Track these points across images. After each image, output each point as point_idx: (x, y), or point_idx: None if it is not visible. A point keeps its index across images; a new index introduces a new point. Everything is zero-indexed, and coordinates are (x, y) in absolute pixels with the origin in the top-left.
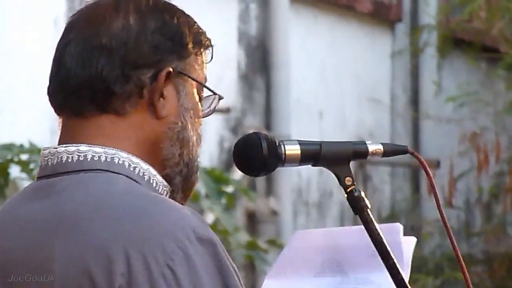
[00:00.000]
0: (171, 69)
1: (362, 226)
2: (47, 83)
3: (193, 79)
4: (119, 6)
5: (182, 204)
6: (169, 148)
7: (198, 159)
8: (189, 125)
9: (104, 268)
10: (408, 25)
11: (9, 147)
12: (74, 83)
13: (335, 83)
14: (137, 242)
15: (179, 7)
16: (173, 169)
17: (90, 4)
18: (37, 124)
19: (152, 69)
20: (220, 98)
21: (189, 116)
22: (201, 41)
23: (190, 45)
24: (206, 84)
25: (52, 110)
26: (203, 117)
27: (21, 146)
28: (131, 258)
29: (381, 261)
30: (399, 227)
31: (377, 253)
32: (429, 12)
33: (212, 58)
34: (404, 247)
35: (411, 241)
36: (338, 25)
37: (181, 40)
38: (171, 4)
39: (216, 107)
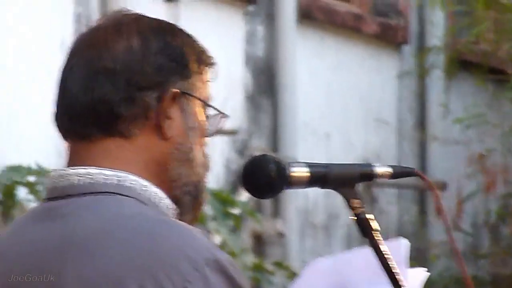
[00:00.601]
0: (176, 90)
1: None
2: (53, 105)
3: (198, 98)
4: (120, 29)
5: (191, 225)
6: (176, 169)
7: (205, 179)
8: (196, 145)
9: None
10: (414, 47)
11: (16, 169)
12: (79, 108)
13: (341, 105)
14: (151, 266)
15: (181, 27)
16: (182, 189)
17: (91, 28)
18: (44, 146)
19: (157, 90)
20: (225, 116)
21: (195, 136)
22: (203, 60)
23: (193, 64)
24: (211, 103)
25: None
26: (209, 136)
27: (29, 168)
28: (146, 283)
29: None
30: (404, 244)
31: (382, 270)
32: (436, 34)
33: (216, 76)
34: (412, 277)
35: (422, 273)
36: (344, 47)
37: (184, 60)
38: (172, 24)
39: (222, 127)
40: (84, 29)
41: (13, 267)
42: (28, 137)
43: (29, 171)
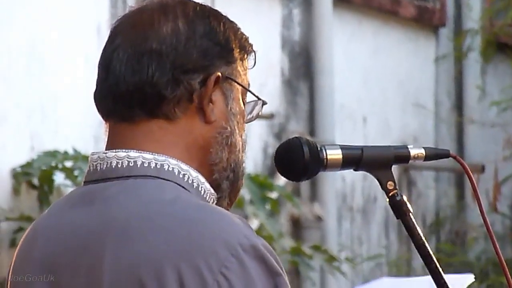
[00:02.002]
0: (219, 74)
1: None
2: (90, 90)
3: (240, 84)
4: (166, 11)
5: (228, 210)
6: (218, 153)
7: (244, 164)
8: (236, 130)
9: (156, 279)
10: (451, 30)
11: (53, 154)
12: (124, 88)
13: (378, 89)
14: (189, 251)
15: (223, 13)
16: (221, 174)
17: (135, 9)
18: (80, 131)
19: (201, 73)
20: (264, 103)
21: (236, 121)
22: (245, 47)
23: (236, 51)
24: (251, 89)
25: (95, 116)
26: (247, 122)
27: (65, 153)
28: (184, 268)
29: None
30: (468, 279)
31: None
32: (473, 17)
33: (255, 63)
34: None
35: (468, 278)
36: (381, 30)
37: (228, 45)
38: (216, 10)
39: (261, 113)
40: (120, 14)
41: (53, 249)
42: (65, 122)
43: (66, 156)
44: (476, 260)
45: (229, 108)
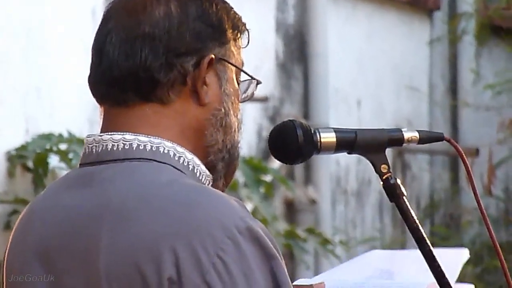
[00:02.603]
0: (213, 56)
1: (439, 250)
2: (85, 74)
3: (233, 65)
4: None
5: (223, 191)
6: (213, 135)
7: (239, 145)
8: (231, 111)
9: (153, 260)
10: (446, 13)
11: (48, 137)
12: (118, 73)
13: (373, 72)
14: (185, 234)
15: None
16: (216, 156)
17: None
18: (75, 114)
19: (195, 56)
20: (258, 82)
21: (230, 102)
22: (238, 26)
23: (229, 31)
24: (244, 69)
25: (90, 100)
26: (242, 102)
27: (60, 135)
28: (180, 249)
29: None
30: (463, 254)
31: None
32: (467, 0)
33: (248, 43)
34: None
35: (463, 253)
36: (376, 14)
37: (221, 26)
38: None
39: (254, 93)
40: None
41: (49, 232)
42: (60, 105)
43: (60, 139)
44: (471, 243)
45: (222, 89)
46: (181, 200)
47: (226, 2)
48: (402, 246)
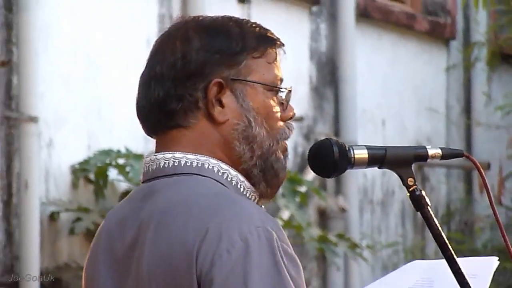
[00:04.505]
0: (220, 80)
1: (469, 259)
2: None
3: (250, 81)
4: (170, 35)
5: (269, 197)
6: (239, 146)
7: (277, 151)
8: (253, 122)
9: (182, 258)
10: (461, 42)
11: (107, 152)
12: (143, 111)
13: (396, 95)
14: (208, 234)
15: (240, 18)
16: (248, 164)
17: (160, 35)
18: (132, 131)
19: (202, 82)
20: (289, 90)
21: (252, 115)
22: (261, 44)
23: (243, 52)
24: (279, 82)
25: None
26: (288, 120)
27: (118, 151)
28: (202, 249)
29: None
30: (493, 261)
31: (475, 275)
32: (480, 30)
33: (284, 52)
34: (485, 267)
35: (493, 260)
36: (399, 43)
37: (229, 50)
38: (228, 18)
39: (289, 99)
40: (166, 29)
41: (115, 241)
42: (118, 124)
43: (118, 154)
44: (483, 247)
45: (240, 104)
46: (210, 207)
47: (247, 23)
48: (422, 250)
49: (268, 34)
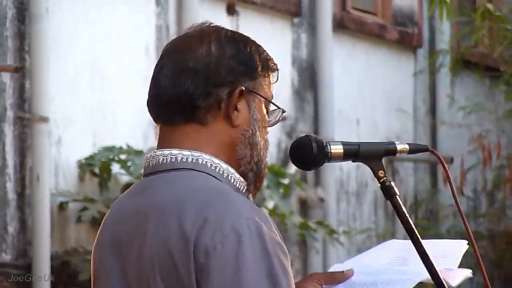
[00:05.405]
0: (243, 88)
1: (442, 241)
2: (140, 97)
3: (261, 96)
4: (203, 37)
5: (254, 194)
6: (243, 150)
7: (266, 159)
8: (258, 132)
9: (180, 248)
10: (427, 50)
11: (111, 149)
12: (166, 98)
13: (369, 97)
14: (202, 226)
15: (253, 39)
16: (246, 167)
17: (180, 36)
18: (132, 130)
19: (228, 87)
20: (283, 111)
21: (257, 125)
22: (268, 66)
23: (259, 69)
24: (273, 101)
25: (144, 119)
26: (270, 126)
27: (120, 148)
28: (198, 239)
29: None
30: (463, 244)
31: (446, 255)
32: (444, 39)
33: (277, 79)
34: (455, 249)
35: (464, 243)
36: (371, 51)
37: (252, 65)
38: (245, 35)
39: (280, 119)
40: (164, 37)
41: (118, 229)
42: (120, 123)
43: (121, 150)
44: (447, 233)
45: (251, 115)
46: (205, 200)
47: (260, 46)
48: (392, 235)
49: (272, 59)
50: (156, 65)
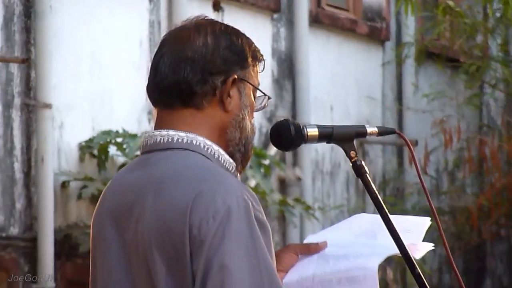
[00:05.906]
0: (236, 76)
1: (407, 217)
2: (136, 86)
3: (251, 84)
4: (200, 29)
5: (241, 172)
6: (233, 133)
7: (253, 141)
8: (247, 117)
9: (176, 220)
10: (394, 43)
11: (108, 132)
12: (166, 83)
13: (342, 86)
14: (197, 203)
15: (243, 32)
16: (235, 148)
17: (177, 27)
18: (128, 116)
19: (223, 75)
20: (269, 98)
21: (247, 111)
22: (256, 56)
23: (249, 59)
24: (260, 88)
25: (139, 105)
26: (256, 111)
27: (117, 132)
28: (192, 213)
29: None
30: (427, 221)
31: (411, 231)
32: (409, 33)
33: (264, 69)
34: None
35: (427, 220)
36: (344, 44)
37: (243, 55)
38: (236, 29)
39: (265, 105)
40: (156, 32)
41: (117, 201)
42: (117, 109)
43: (117, 134)
44: (412, 209)
45: (242, 101)
46: (198, 178)
47: (249, 38)
48: (363, 210)
49: (259, 51)
50: (156, 54)
